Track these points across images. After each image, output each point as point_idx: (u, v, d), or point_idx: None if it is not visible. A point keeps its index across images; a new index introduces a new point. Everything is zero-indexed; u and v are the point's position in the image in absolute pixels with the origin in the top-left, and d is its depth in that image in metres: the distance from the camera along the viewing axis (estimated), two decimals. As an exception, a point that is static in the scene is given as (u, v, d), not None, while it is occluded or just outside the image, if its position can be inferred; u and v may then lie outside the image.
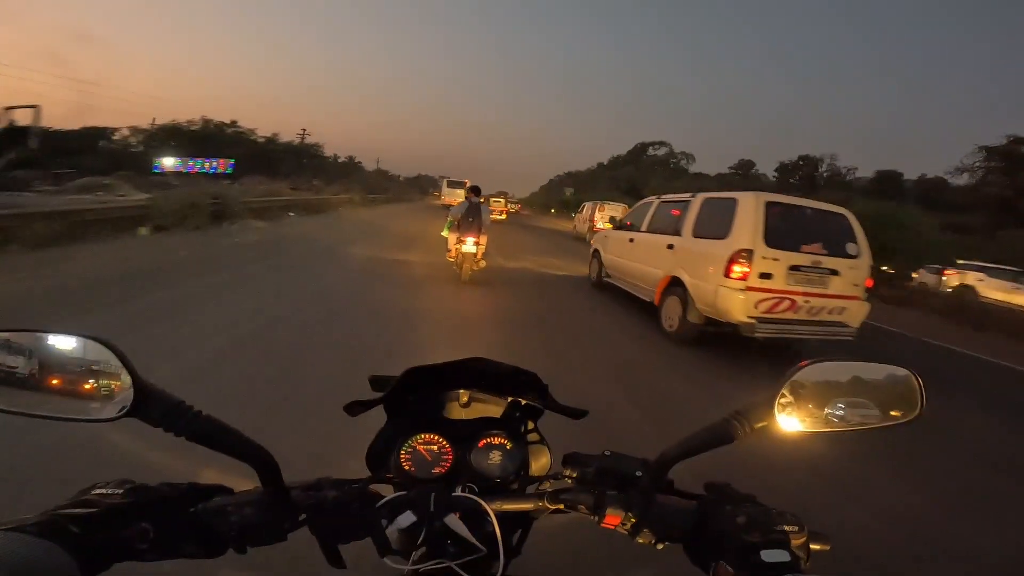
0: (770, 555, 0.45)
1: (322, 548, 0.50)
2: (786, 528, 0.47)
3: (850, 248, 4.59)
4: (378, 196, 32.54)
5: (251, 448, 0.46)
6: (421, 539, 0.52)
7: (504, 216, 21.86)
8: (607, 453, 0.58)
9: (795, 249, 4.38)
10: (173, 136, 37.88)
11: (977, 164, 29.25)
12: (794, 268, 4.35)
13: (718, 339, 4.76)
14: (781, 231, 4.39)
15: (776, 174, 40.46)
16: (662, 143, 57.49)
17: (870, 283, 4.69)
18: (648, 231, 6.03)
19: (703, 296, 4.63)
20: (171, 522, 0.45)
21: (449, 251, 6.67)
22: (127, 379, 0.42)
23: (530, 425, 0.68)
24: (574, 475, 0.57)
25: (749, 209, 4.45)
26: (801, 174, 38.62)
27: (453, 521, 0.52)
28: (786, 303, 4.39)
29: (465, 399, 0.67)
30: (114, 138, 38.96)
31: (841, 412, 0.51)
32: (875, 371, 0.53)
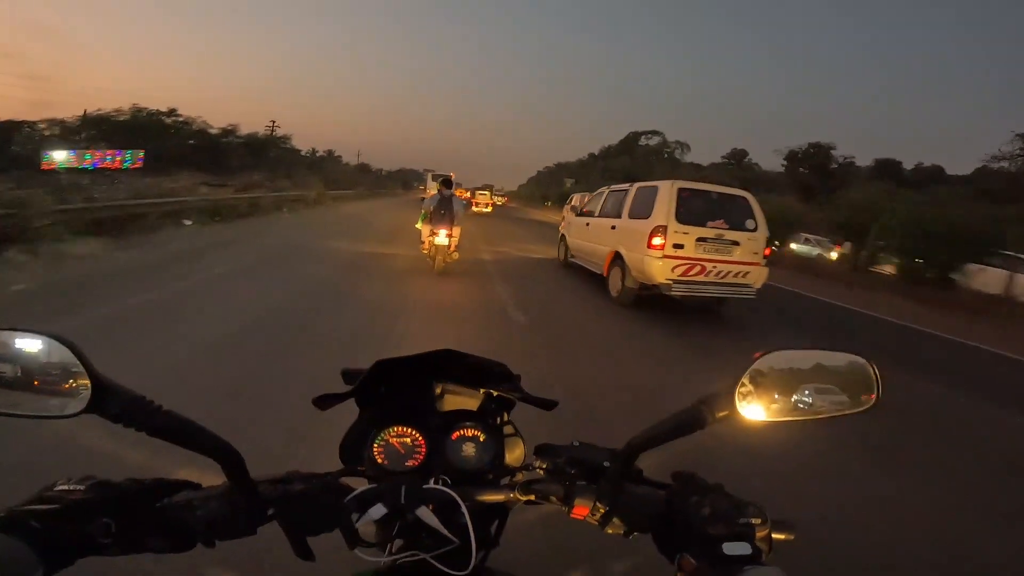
0: (732, 547, 0.46)
1: (290, 540, 0.51)
2: (751, 521, 0.48)
3: (749, 223, 5.77)
4: (346, 192, 29.07)
5: (214, 442, 0.47)
6: (395, 532, 0.53)
7: (490, 208, 22.09)
8: (576, 443, 0.59)
9: (702, 224, 5.56)
10: (97, 127, 31.94)
11: (1018, 152, 28.30)
12: (701, 240, 5.54)
13: (651, 301, 5.96)
14: (691, 210, 5.58)
15: (784, 163, 39.72)
16: (655, 132, 57.42)
17: (768, 252, 5.88)
18: (599, 216, 7.22)
19: (635, 265, 5.83)
20: (134, 517, 0.45)
21: (423, 243, 6.79)
22: (85, 377, 0.42)
23: (505, 417, 0.69)
24: (545, 466, 0.59)
25: (665, 193, 5.65)
26: (812, 163, 37.43)
27: (425, 513, 0.52)
28: (697, 268, 5.58)
29: (438, 391, 0.67)
30: (30, 131, 31.54)
31: (801, 401, 0.52)
32: (833, 359, 0.54)
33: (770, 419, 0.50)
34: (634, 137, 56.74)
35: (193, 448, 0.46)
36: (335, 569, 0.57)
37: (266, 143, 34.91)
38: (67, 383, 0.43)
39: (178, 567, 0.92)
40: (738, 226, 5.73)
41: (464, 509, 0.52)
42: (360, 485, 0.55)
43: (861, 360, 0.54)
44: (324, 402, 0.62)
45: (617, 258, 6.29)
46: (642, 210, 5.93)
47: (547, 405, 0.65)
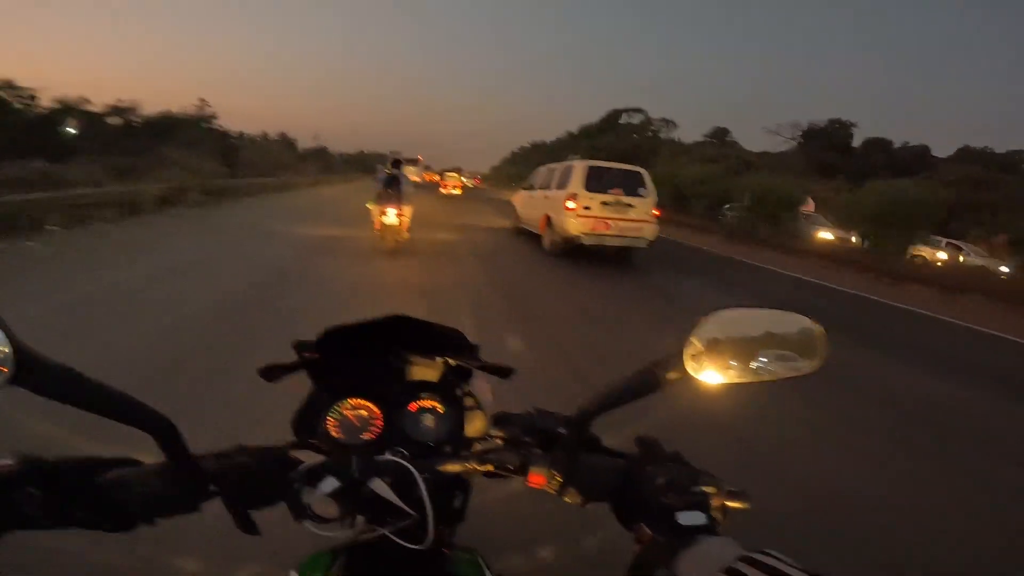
0: (686, 517, 0.47)
1: (232, 515, 0.49)
2: (704, 490, 0.48)
3: (641, 191, 7.86)
4: (267, 180, 19.29)
5: (149, 415, 0.45)
6: (352, 506, 0.51)
7: (459, 191, 22.34)
8: (532, 411, 0.58)
9: (605, 192, 7.64)
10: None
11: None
12: (604, 203, 7.62)
13: (571, 251, 8.07)
14: (597, 181, 7.64)
15: (801, 140, 37.30)
16: (637, 110, 56.63)
17: (658, 212, 7.98)
18: (538, 188, 9.27)
19: (558, 224, 7.91)
20: (66, 491, 0.44)
21: (374, 223, 6.84)
22: (7, 347, 0.38)
23: (465, 387, 0.67)
24: (503, 435, 0.58)
25: (578, 169, 7.71)
26: (834, 141, 34.62)
27: (379, 486, 0.50)
28: (602, 224, 7.67)
29: (394, 361, 0.66)
30: None
31: (750, 362, 0.52)
32: (779, 319, 0.54)
33: (720, 381, 0.50)
34: (615, 115, 56.95)
35: (126, 421, 0.44)
36: (296, 546, 0.55)
37: (176, 124, 24.27)
38: None
39: (125, 545, 0.88)
40: (632, 193, 7.82)
41: (420, 480, 0.50)
42: (313, 459, 0.54)
43: (806, 320, 0.53)
44: (271, 373, 0.59)
45: (548, 220, 8.36)
46: (563, 182, 7.99)
47: (504, 373, 0.64)
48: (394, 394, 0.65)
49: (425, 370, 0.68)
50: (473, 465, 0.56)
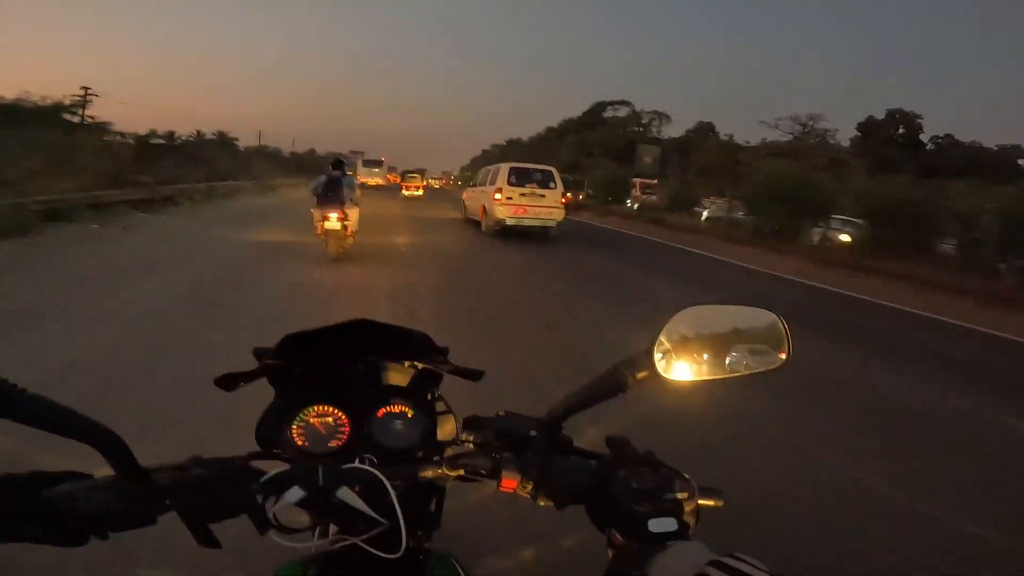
0: (658, 524, 0.47)
1: (189, 529, 0.48)
2: (677, 496, 0.48)
3: (551, 185, 10.69)
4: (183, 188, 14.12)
5: (93, 429, 0.44)
6: (319, 516, 0.51)
7: (420, 192, 22.73)
8: (502, 413, 0.58)
9: (523, 186, 10.45)
10: None
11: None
12: (523, 194, 10.42)
13: (502, 232, 10.84)
14: (517, 178, 10.46)
15: (857, 134, 34.60)
16: (623, 103, 55.72)
17: (564, 200, 10.80)
18: (479, 186, 12.08)
19: (491, 212, 10.72)
20: (11, 506, 0.43)
21: (316, 228, 6.44)
22: None
23: (435, 392, 0.68)
24: (474, 439, 0.58)
25: (504, 169, 10.57)
26: (896, 135, 32.39)
27: (347, 494, 0.49)
28: (521, 210, 10.48)
29: (361, 367, 0.66)
30: None
31: (718, 360, 0.52)
32: (745, 315, 0.55)
33: (689, 379, 0.51)
34: (599, 108, 56.40)
35: (68, 435, 0.42)
36: (264, 557, 0.54)
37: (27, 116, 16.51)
38: None
39: (84, 557, 0.90)
40: (544, 187, 10.64)
41: (390, 488, 0.50)
42: (278, 469, 0.53)
43: (772, 315, 0.54)
44: (228, 382, 0.58)
45: (484, 209, 11.18)
46: (493, 180, 10.81)
47: (474, 376, 0.64)
48: (361, 400, 0.65)
49: (393, 375, 0.68)
50: (445, 471, 0.55)
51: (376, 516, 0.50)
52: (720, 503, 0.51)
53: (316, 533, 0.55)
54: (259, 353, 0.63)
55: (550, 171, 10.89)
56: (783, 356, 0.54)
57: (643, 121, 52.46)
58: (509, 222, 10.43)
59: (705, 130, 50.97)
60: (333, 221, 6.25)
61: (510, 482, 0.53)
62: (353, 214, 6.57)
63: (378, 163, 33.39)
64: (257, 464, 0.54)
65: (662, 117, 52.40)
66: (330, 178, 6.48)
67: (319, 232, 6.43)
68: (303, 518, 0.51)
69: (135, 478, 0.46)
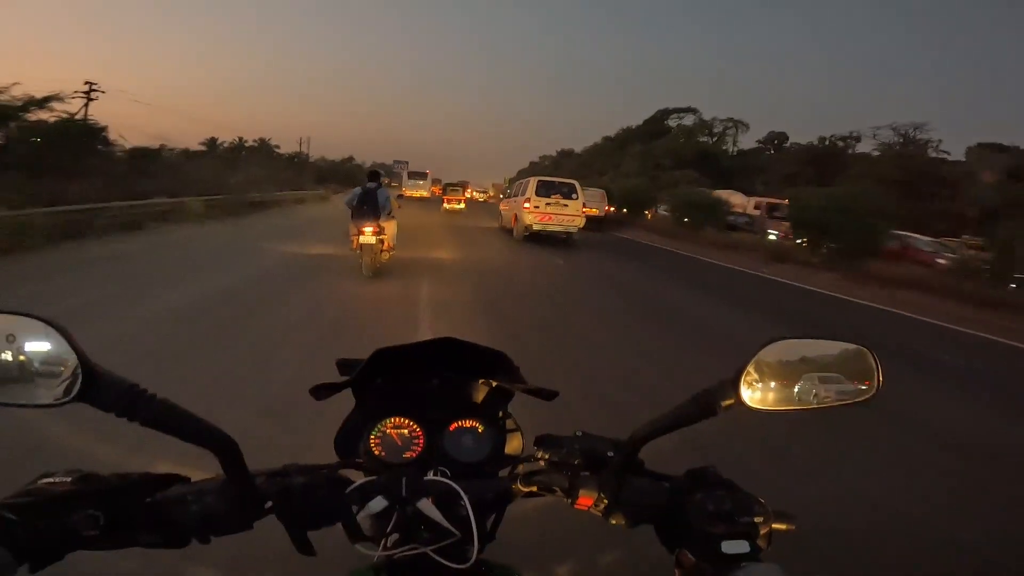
0: (731, 546, 0.47)
1: (290, 535, 0.51)
2: (753, 520, 0.49)
3: (573, 196, 12.29)
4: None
5: (212, 434, 0.46)
6: (393, 524, 0.53)
7: (462, 205, 22.90)
8: (579, 434, 0.60)
9: (548, 196, 12.14)
10: None
11: None
12: (548, 204, 12.11)
13: (530, 237, 12.56)
14: (544, 190, 12.18)
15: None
16: (689, 109, 51.12)
17: (586, 211, 12.32)
18: (510, 197, 13.91)
19: (521, 219, 12.52)
20: (124, 510, 0.45)
21: (352, 242, 6.31)
22: (74, 361, 0.40)
23: (505, 408, 0.70)
24: (546, 457, 0.59)
25: (532, 183, 12.34)
26: None
27: (426, 506, 0.52)
28: (547, 217, 12.17)
29: (436, 381, 0.68)
30: None
31: (804, 390, 0.53)
32: (834, 348, 0.56)
33: (774, 408, 0.52)
34: (663, 115, 53.30)
35: (189, 439, 0.45)
36: (331, 564, 0.57)
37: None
38: (56, 369, 0.41)
39: (170, 563, 0.89)
40: (567, 197, 12.26)
41: (466, 501, 0.53)
42: (357, 478, 0.56)
43: (862, 348, 0.55)
44: (320, 392, 0.61)
45: (515, 217, 13.00)
46: (523, 192, 12.62)
47: (547, 395, 0.64)
48: (436, 414, 0.67)
49: (467, 391, 0.70)
50: (519, 486, 0.57)
51: (451, 528, 0.52)
52: (793, 527, 0.52)
53: (383, 541, 0.56)
54: (342, 364, 0.67)
55: (572, 184, 12.52)
56: (872, 388, 0.55)
57: (715, 129, 47.69)
58: (536, 227, 12.15)
59: (778, 140, 47.29)
60: (368, 235, 6.03)
61: (586, 500, 0.54)
62: (389, 228, 6.43)
63: (423, 175, 33.28)
64: (343, 473, 0.57)
65: (738, 125, 47.21)
66: (365, 190, 6.29)
67: (354, 246, 6.26)
68: (375, 526, 0.55)
69: (243, 482, 0.48)
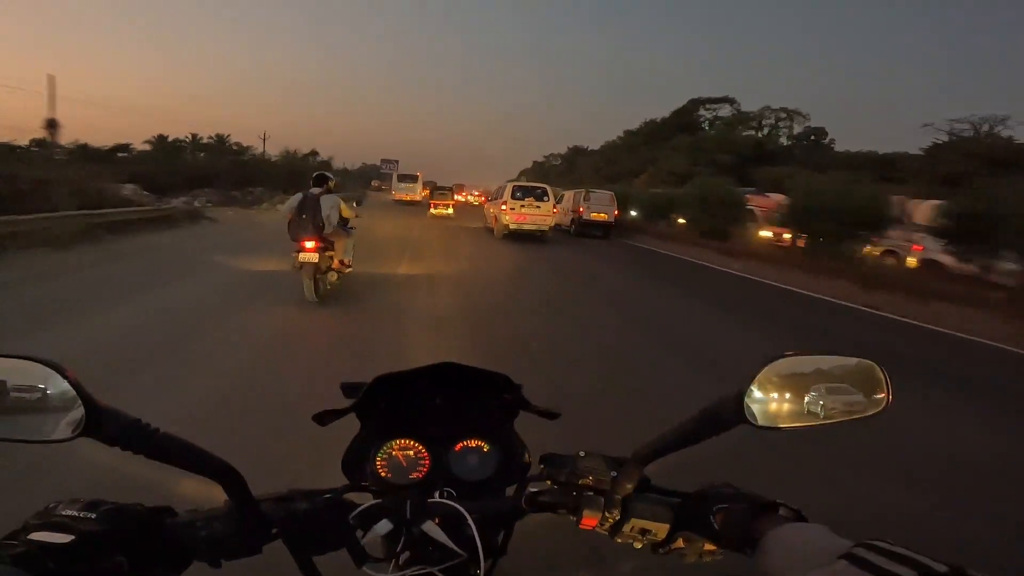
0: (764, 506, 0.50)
1: (296, 560, 0.53)
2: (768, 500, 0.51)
3: (544, 198, 13.93)
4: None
5: (215, 463, 0.49)
6: (400, 546, 0.55)
7: (450, 211, 21.08)
8: (582, 454, 0.60)
9: (522, 200, 13.83)
10: None
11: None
12: (522, 206, 13.82)
13: (509, 236, 14.25)
14: (518, 193, 13.90)
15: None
16: (725, 99, 47.13)
17: (556, 211, 13.94)
18: (494, 199, 15.65)
19: (499, 219, 14.28)
20: (145, 547, 0.47)
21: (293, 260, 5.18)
22: (77, 399, 0.43)
23: (509, 428, 0.72)
24: (551, 476, 0.60)
25: (507, 187, 14.10)
26: None
27: (431, 527, 0.54)
28: (522, 218, 13.88)
29: (440, 402, 0.70)
30: None
31: (811, 406, 0.53)
32: (841, 363, 0.55)
33: (780, 426, 0.51)
34: (693, 106, 49.47)
35: (193, 470, 0.48)
36: None
37: None
38: (61, 407, 0.44)
39: None
40: (540, 199, 13.90)
41: (471, 522, 0.54)
42: (364, 499, 0.58)
43: (869, 362, 0.55)
44: (324, 418, 0.63)
45: (495, 217, 14.75)
46: (500, 195, 14.36)
47: (550, 416, 0.67)
48: (441, 434, 0.69)
49: (471, 411, 0.71)
50: (524, 506, 0.59)
51: (457, 548, 0.54)
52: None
53: (392, 563, 0.57)
54: (346, 388, 0.67)
55: (544, 188, 14.22)
56: (881, 402, 0.54)
57: (766, 121, 42.63)
58: (512, 227, 13.85)
59: (816, 135, 43.04)
60: (308, 252, 5.01)
61: (591, 520, 0.55)
62: (341, 243, 5.51)
63: (413, 177, 31.83)
64: (348, 496, 0.59)
65: (793, 116, 41.83)
66: (306, 197, 5.20)
67: (295, 266, 5.13)
68: (381, 548, 0.56)
69: (248, 508, 0.51)
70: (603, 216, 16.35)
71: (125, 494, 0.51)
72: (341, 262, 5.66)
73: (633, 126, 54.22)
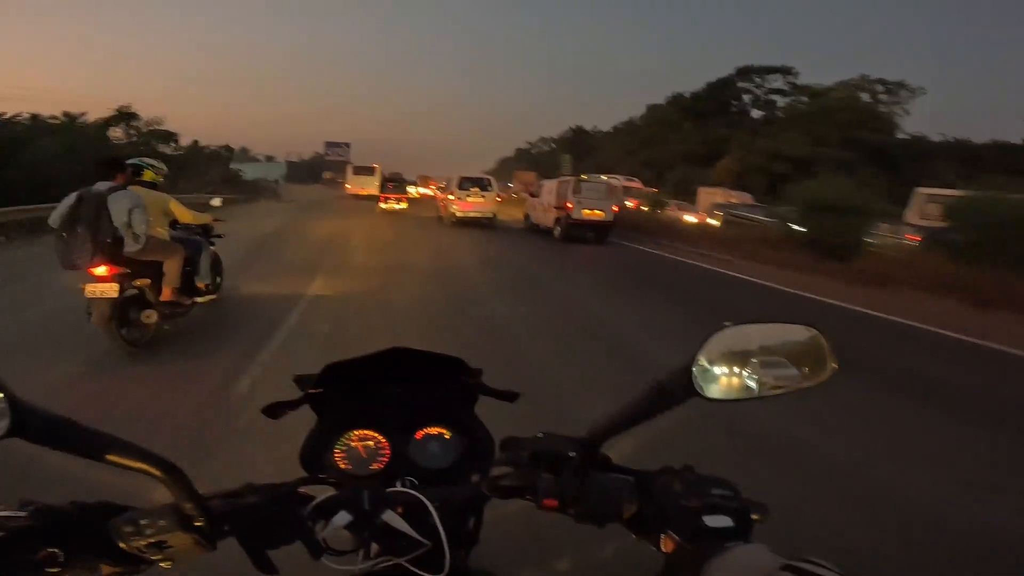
0: (713, 520, 0.48)
1: (249, 556, 0.52)
2: (725, 492, 0.50)
3: (488, 187, 15.09)
4: None
5: (153, 460, 0.48)
6: (365, 538, 0.56)
7: (404, 204, 19.96)
8: (540, 435, 0.61)
9: (468, 190, 15.06)
10: None
11: None
12: (468, 196, 15.06)
13: (461, 223, 15.23)
14: (465, 183, 15.16)
15: None
16: (780, 69, 39.56)
17: (500, 199, 15.05)
18: (447, 191, 16.77)
19: (447, 208, 15.58)
20: (83, 543, 0.46)
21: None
22: (2, 401, 0.43)
23: (470, 413, 0.73)
24: (512, 460, 0.60)
25: (455, 179, 15.48)
26: None
27: (392, 517, 0.54)
28: (468, 207, 15.10)
29: (397, 390, 0.71)
30: None
31: (758, 377, 0.54)
32: (785, 332, 0.56)
33: (730, 398, 0.53)
34: (740, 76, 42.97)
35: (129, 467, 0.47)
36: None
37: None
38: None
39: None
40: (484, 189, 15.04)
41: (433, 510, 0.55)
42: (324, 493, 0.58)
43: (813, 331, 0.56)
44: (275, 411, 0.63)
45: (445, 206, 16.06)
46: (449, 187, 15.69)
47: (509, 397, 0.69)
48: (400, 423, 0.69)
49: (429, 397, 0.72)
50: (486, 491, 0.58)
51: (420, 538, 0.54)
52: (764, 517, 0.51)
53: (361, 554, 0.58)
54: (300, 380, 0.68)
55: (488, 178, 15.43)
56: (826, 371, 0.55)
57: (879, 93, 33.68)
58: (459, 215, 15.13)
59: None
60: (101, 283, 3.28)
61: (551, 502, 0.54)
62: (174, 264, 3.71)
63: (370, 170, 28.85)
64: (305, 489, 0.58)
65: (901, 89, 32.73)
66: (85, 197, 3.29)
67: (86, 306, 3.33)
68: (347, 540, 0.56)
69: (195, 506, 0.50)
70: (598, 214, 12.53)
71: (69, 497, 0.50)
72: (186, 290, 3.91)
73: (636, 111, 47.54)
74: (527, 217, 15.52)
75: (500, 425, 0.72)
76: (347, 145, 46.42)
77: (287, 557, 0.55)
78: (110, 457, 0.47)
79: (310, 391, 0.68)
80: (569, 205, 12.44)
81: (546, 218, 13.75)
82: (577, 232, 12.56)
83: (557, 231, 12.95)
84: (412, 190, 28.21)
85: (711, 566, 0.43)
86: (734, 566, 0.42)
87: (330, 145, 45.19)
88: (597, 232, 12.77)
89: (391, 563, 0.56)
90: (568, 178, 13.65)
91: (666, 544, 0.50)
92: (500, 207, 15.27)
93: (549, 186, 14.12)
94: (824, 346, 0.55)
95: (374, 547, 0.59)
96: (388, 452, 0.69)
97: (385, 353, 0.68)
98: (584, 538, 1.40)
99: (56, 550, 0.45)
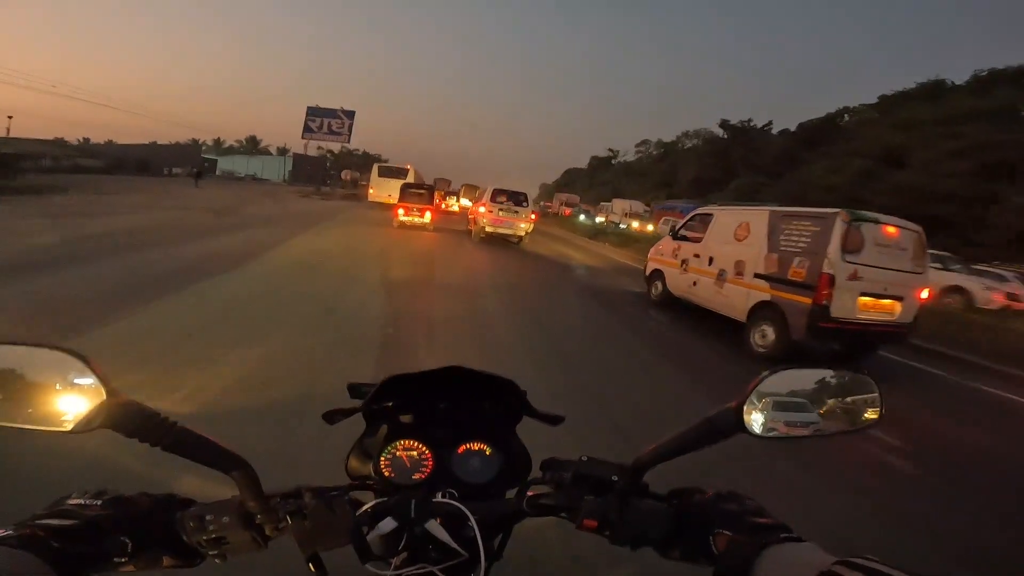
0: (761, 519, 0.51)
1: (304, 555, 0.56)
2: (760, 507, 0.54)
3: (524, 203, 14.33)
4: None
5: (229, 458, 0.52)
6: (402, 545, 0.58)
7: (427, 219, 15.23)
8: (584, 458, 0.63)
9: (501, 204, 14.32)
10: None
11: None
12: (501, 210, 14.32)
13: (489, 239, 14.62)
14: (500, 198, 14.42)
15: None
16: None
17: (535, 217, 14.04)
18: (476, 202, 16.00)
19: (478, 222, 14.86)
20: (150, 534, 0.50)
21: None
22: (100, 390, 0.46)
23: (512, 432, 0.77)
24: (552, 480, 0.64)
25: (488, 190, 14.82)
26: None
27: (434, 527, 0.57)
28: (499, 221, 14.34)
29: (445, 405, 0.75)
30: None
31: (807, 418, 0.57)
32: (836, 376, 0.59)
33: (777, 436, 0.56)
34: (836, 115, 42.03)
35: (207, 463, 0.51)
36: None
37: None
38: (82, 398, 0.47)
39: None
40: (518, 204, 14.29)
41: (473, 523, 0.57)
42: (368, 499, 0.62)
43: (865, 377, 0.59)
44: (332, 417, 0.68)
45: (474, 220, 15.40)
46: (482, 198, 14.92)
47: (553, 421, 0.72)
48: (444, 436, 0.73)
49: (475, 414, 0.76)
50: (526, 509, 0.62)
51: (459, 549, 0.57)
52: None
53: (394, 561, 0.60)
54: (353, 388, 0.72)
55: (523, 193, 14.74)
56: (874, 416, 0.58)
57: None
58: (489, 230, 14.24)
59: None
60: None
61: (590, 523, 0.58)
62: None
63: (401, 172, 23.14)
64: (354, 494, 0.62)
65: None
66: None
67: None
68: (382, 546, 0.58)
69: (259, 504, 0.54)
70: (893, 307, 5.16)
71: (140, 487, 0.53)
72: None
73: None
74: (653, 277, 7.80)
75: (539, 447, 0.76)
76: (345, 113, 29.85)
77: (326, 559, 0.57)
78: (190, 452, 0.50)
79: (368, 401, 0.70)
80: (827, 279, 4.92)
81: (721, 295, 6.24)
82: (833, 343, 5.55)
83: (766, 336, 5.44)
84: (453, 201, 26.36)
85: (766, 555, 0.46)
86: (789, 557, 0.45)
87: (313, 113, 28.88)
88: (867, 344, 5.74)
89: (425, 571, 0.58)
90: (816, 213, 5.38)
91: (718, 542, 0.52)
92: (534, 226, 14.38)
93: (730, 220, 6.45)
94: (875, 391, 0.59)
95: (402, 554, 0.60)
96: (431, 464, 0.72)
97: (444, 370, 0.70)
98: (606, 558, 1.68)
99: (126, 539, 0.48)
